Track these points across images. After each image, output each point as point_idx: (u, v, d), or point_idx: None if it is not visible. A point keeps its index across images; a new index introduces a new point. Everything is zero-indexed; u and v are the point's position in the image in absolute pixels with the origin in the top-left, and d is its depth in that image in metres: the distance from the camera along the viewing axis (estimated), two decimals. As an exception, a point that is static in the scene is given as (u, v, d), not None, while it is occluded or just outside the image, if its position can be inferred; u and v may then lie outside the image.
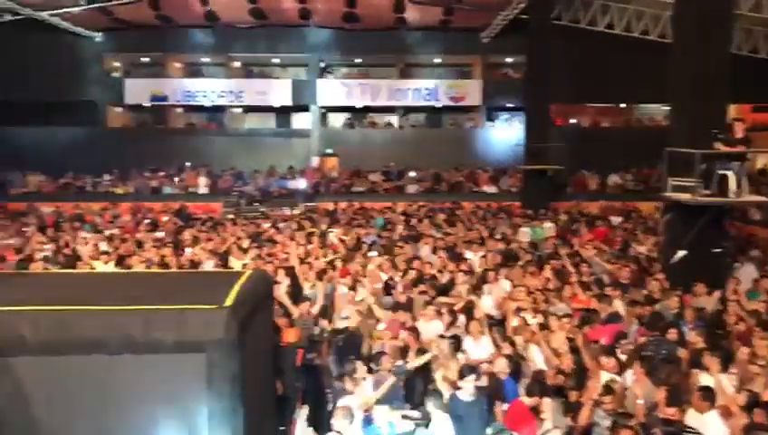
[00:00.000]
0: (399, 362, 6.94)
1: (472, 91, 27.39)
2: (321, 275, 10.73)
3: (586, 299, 9.79)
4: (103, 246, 13.53)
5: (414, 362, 7.11)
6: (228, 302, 4.94)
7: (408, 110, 28.85)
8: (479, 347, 8.06)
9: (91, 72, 26.85)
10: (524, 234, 15.80)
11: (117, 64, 28.72)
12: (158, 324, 4.69)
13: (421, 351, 7.33)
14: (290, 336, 7.79)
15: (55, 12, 23.25)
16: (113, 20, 24.99)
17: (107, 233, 15.90)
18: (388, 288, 10.62)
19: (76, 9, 22.85)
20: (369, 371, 7.03)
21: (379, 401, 6.16)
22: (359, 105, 27.69)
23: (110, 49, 27.41)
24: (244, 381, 4.81)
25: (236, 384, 4.73)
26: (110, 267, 11.42)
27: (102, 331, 4.66)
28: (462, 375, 6.50)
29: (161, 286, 6.13)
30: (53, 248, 13.59)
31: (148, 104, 27.61)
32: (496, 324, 8.81)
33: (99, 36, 26.52)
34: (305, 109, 27.71)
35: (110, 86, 27.22)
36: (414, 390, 6.77)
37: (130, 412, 4.74)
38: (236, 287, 5.34)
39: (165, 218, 19.03)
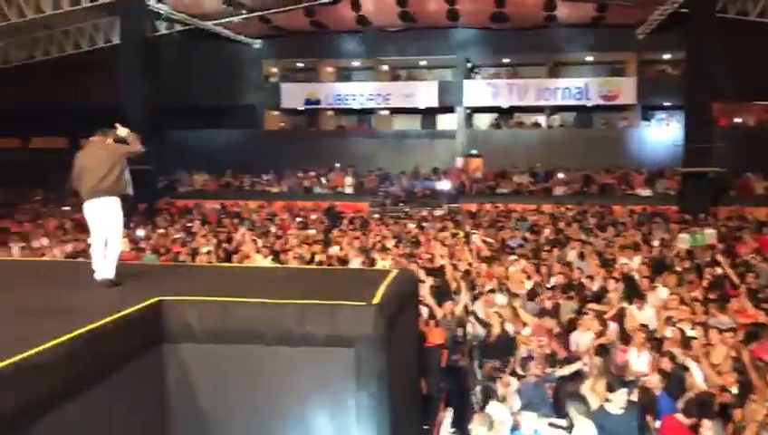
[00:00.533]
0: (548, 370, 6.77)
1: (626, 90, 26.12)
2: (464, 276, 10.70)
3: (753, 312, 9.03)
4: (260, 242, 14.30)
5: (562, 370, 6.90)
6: (376, 299, 5.06)
7: (556, 109, 28.06)
8: (641, 360, 7.60)
9: (251, 78, 28.56)
10: (683, 240, 14.83)
11: (274, 70, 30.26)
12: (312, 318, 4.89)
13: (570, 359, 7.10)
14: (435, 337, 7.82)
15: (219, 21, 24.95)
16: (271, 27, 26.42)
17: (268, 229, 16.78)
18: (532, 293, 10.40)
19: (238, 18, 24.35)
20: (514, 375, 6.92)
21: (526, 409, 6.04)
22: (505, 105, 27.30)
23: (269, 55, 28.96)
24: (390, 378, 4.90)
25: (383, 380, 4.82)
26: (267, 262, 12.02)
27: (261, 322, 4.93)
28: (611, 388, 6.20)
29: (313, 282, 6.40)
30: (215, 243, 14.53)
31: (302, 108, 28.84)
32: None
33: (258, 43, 28.09)
34: (451, 110, 27.75)
35: (267, 91, 28.77)
36: (561, 398, 6.56)
37: (284, 402, 4.97)
38: (384, 286, 5.46)
39: (313, 217, 19.80)
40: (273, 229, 16.99)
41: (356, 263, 12.05)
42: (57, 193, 23.64)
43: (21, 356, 3.64)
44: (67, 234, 16.01)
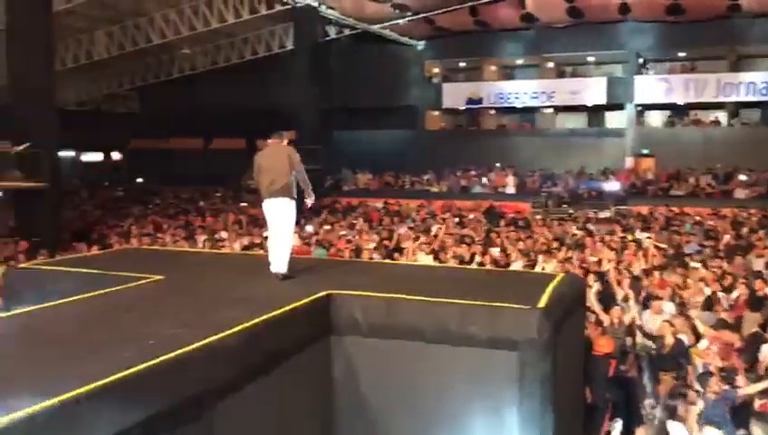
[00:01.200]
0: (728, 387, 6.24)
1: (825, 83, 23.56)
2: (634, 283, 10.15)
3: None
4: (421, 241, 14.42)
5: (747, 388, 6.31)
6: (542, 303, 4.93)
7: (739, 106, 25.85)
8: None
9: (414, 79, 29.05)
10: None
11: (436, 70, 30.50)
12: (474, 319, 4.86)
13: (755, 376, 6.49)
14: (602, 345, 7.47)
15: (385, 24, 25.59)
16: (435, 28, 26.67)
17: (429, 228, 16.94)
18: (708, 303, 9.64)
19: (403, 20, 24.84)
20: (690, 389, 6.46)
21: (708, 424, 5.61)
22: (681, 102, 25.60)
23: (431, 56, 29.28)
24: (554, 384, 4.76)
25: (547, 386, 4.70)
26: (430, 260, 12.10)
27: (423, 319, 4.97)
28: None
29: (475, 283, 6.35)
30: (377, 240, 14.87)
31: (464, 107, 28.83)
32: None
33: (421, 45, 28.46)
34: (619, 107, 26.50)
35: (429, 91, 29.10)
36: (745, 415, 6.01)
37: (443, 400, 4.98)
38: (549, 289, 5.32)
39: (471, 216, 19.70)
40: (434, 228, 17.09)
41: (518, 265, 11.81)
42: (234, 190, 25.40)
43: (201, 343, 3.92)
44: (243, 228, 17.11)
